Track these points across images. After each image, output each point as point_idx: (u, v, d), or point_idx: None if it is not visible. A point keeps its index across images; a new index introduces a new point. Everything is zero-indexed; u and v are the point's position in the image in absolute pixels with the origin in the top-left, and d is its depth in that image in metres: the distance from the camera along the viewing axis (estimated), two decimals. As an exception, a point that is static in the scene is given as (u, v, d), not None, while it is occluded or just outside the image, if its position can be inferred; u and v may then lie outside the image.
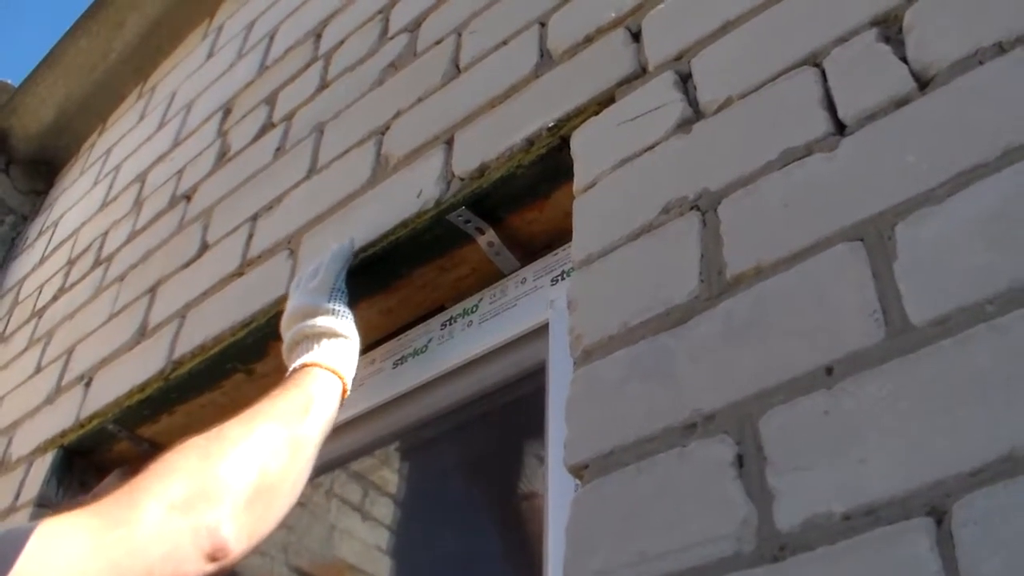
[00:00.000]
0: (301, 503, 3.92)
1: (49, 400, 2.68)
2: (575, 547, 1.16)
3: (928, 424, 0.95)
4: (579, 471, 1.23)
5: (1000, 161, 1.07)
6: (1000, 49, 1.16)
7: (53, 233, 3.73)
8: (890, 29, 1.30)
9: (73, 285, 3.12)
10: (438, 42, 2.18)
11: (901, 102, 1.21)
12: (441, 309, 1.95)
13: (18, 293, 3.63)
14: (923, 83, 1.21)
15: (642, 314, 1.30)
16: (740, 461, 1.08)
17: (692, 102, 1.49)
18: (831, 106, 1.29)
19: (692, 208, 1.35)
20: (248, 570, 2.86)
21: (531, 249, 1.81)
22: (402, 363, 1.91)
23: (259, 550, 3.63)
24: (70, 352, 2.77)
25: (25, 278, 3.68)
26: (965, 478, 0.90)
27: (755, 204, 1.28)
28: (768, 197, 1.27)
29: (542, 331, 1.66)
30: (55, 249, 3.56)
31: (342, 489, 4.03)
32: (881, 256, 1.10)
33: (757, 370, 1.13)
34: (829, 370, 1.06)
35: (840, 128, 1.26)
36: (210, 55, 3.49)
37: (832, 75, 1.33)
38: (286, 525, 3.67)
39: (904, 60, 1.25)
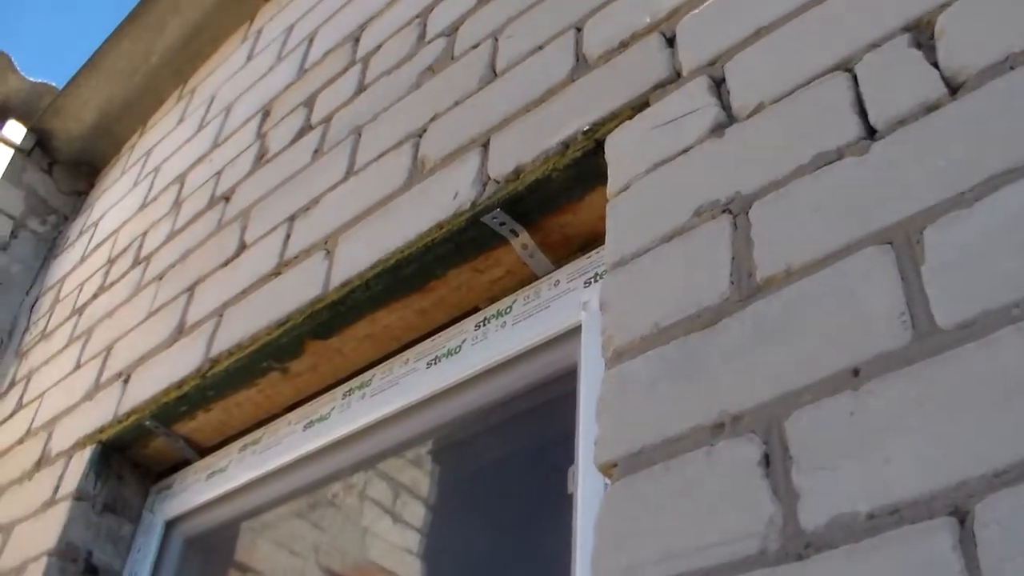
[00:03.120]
0: (334, 504, 3.98)
1: (88, 396, 2.72)
2: (603, 543, 1.18)
3: (952, 425, 0.96)
4: (609, 469, 1.25)
5: (1031, 165, 1.08)
6: (1031, 54, 1.17)
7: (94, 233, 3.77)
8: (922, 35, 1.31)
9: (113, 284, 3.17)
10: (475, 46, 2.20)
11: (932, 107, 1.22)
12: (476, 310, 1.97)
13: (59, 291, 3.68)
14: (954, 88, 1.22)
15: (673, 315, 1.31)
16: (767, 460, 1.09)
17: (725, 106, 1.50)
18: (862, 111, 1.30)
19: (724, 211, 1.36)
20: (280, 570, 2.90)
21: (565, 252, 1.83)
22: (436, 363, 1.93)
23: (291, 549, 3.68)
24: (109, 349, 2.81)
25: (66, 277, 3.73)
26: (988, 479, 0.91)
27: (786, 207, 1.29)
28: (799, 200, 1.28)
29: (575, 333, 1.68)
30: (95, 248, 3.61)
31: (374, 491, 4.06)
32: (909, 260, 1.11)
33: (785, 371, 1.14)
34: (856, 372, 1.08)
35: (871, 133, 1.27)
36: (250, 58, 3.52)
37: (864, 80, 1.34)
38: (318, 525, 3.72)
39: (936, 65, 1.26)
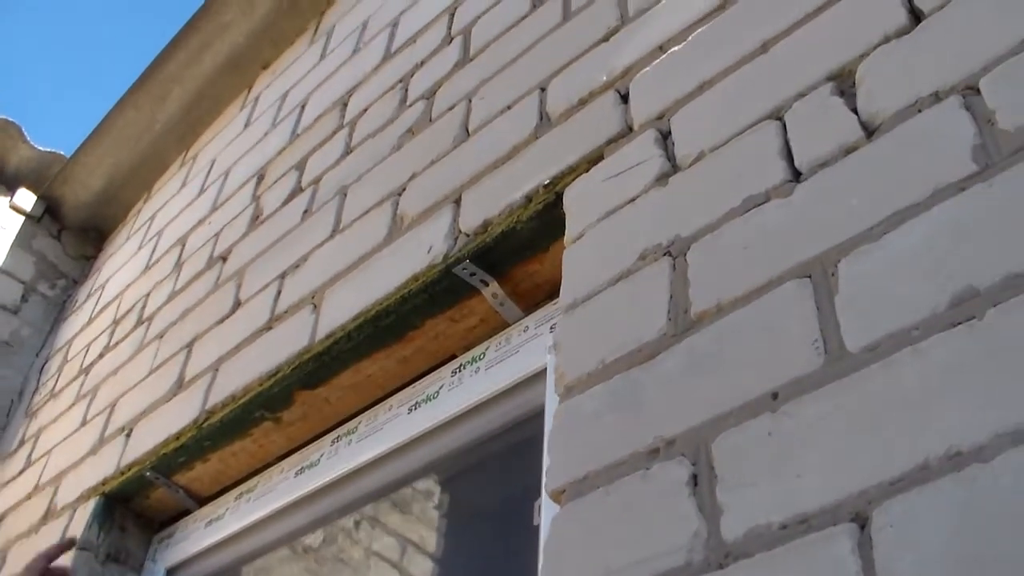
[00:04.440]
0: (341, 559, 4.03)
1: (93, 451, 2.82)
2: (550, 564, 1.27)
3: (856, 440, 1.06)
4: (558, 495, 1.34)
5: (930, 200, 1.17)
6: (936, 98, 1.27)
7: (100, 295, 3.90)
8: (844, 83, 1.42)
9: (117, 343, 3.28)
10: (451, 108, 2.32)
11: (850, 149, 1.33)
12: (453, 358, 2.06)
13: (67, 352, 3.80)
14: (870, 131, 1.32)
15: (616, 352, 1.41)
16: (695, 480, 1.18)
17: (670, 157, 1.61)
18: (789, 155, 1.41)
19: (665, 254, 1.46)
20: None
21: (534, 299, 1.93)
22: (416, 408, 2.03)
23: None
24: (113, 405, 2.91)
25: (74, 338, 3.85)
26: (885, 487, 1.00)
27: (718, 248, 1.39)
28: (730, 241, 1.38)
29: (542, 375, 1.77)
30: (102, 310, 3.73)
31: (380, 546, 4.13)
32: (825, 291, 1.21)
33: (713, 398, 1.23)
34: (775, 395, 1.17)
35: (796, 175, 1.37)
36: (247, 124, 3.66)
37: (792, 127, 1.44)
38: (325, 581, 3.75)
39: (855, 111, 1.37)
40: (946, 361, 1.03)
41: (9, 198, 4.45)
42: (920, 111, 1.28)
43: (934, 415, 1.01)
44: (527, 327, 1.89)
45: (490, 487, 2.29)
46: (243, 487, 2.47)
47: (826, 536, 1.02)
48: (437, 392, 2.00)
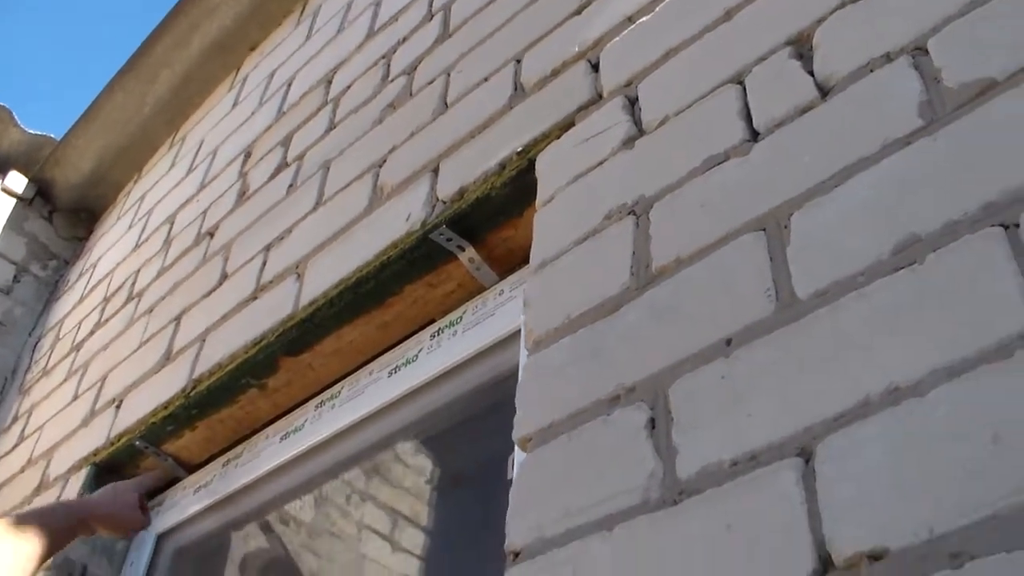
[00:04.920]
0: (332, 533, 4.09)
1: (84, 423, 2.87)
2: (515, 509, 1.32)
3: (803, 380, 1.11)
4: (525, 443, 1.39)
5: (879, 154, 1.23)
6: (887, 58, 1.32)
7: (91, 274, 3.95)
8: (803, 47, 1.47)
9: (108, 320, 3.33)
10: (431, 82, 2.37)
11: (805, 109, 1.38)
12: (432, 323, 2.11)
13: (59, 331, 3.85)
14: (825, 92, 1.37)
15: (582, 307, 1.46)
16: (652, 424, 1.23)
17: (637, 121, 1.66)
18: (748, 117, 1.46)
19: (629, 213, 1.51)
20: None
21: (509, 264, 1.97)
22: (396, 372, 2.08)
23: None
24: (104, 379, 2.96)
25: (65, 316, 3.90)
26: (829, 423, 1.05)
27: (679, 206, 1.44)
28: (690, 199, 1.43)
29: (516, 336, 1.82)
30: (92, 288, 3.79)
31: (371, 519, 4.18)
32: (778, 242, 1.26)
33: (671, 346, 1.29)
34: (728, 341, 1.22)
35: (755, 135, 1.43)
36: (235, 104, 3.71)
37: (751, 90, 1.49)
38: (315, 552, 3.83)
39: (811, 73, 1.42)
40: (888, 304, 1.08)
41: (0, 181, 4.49)
42: (872, 71, 1.33)
43: (875, 355, 1.06)
44: (502, 291, 1.94)
45: (474, 450, 2.35)
46: (230, 454, 2.52)
47: (773, 470, 1.07)
48: (416, 356, 2.05)
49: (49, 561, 2.34)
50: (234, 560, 2.83)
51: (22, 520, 2.02)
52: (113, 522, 2.32)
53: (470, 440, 2.27)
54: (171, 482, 2.71)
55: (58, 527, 2.07)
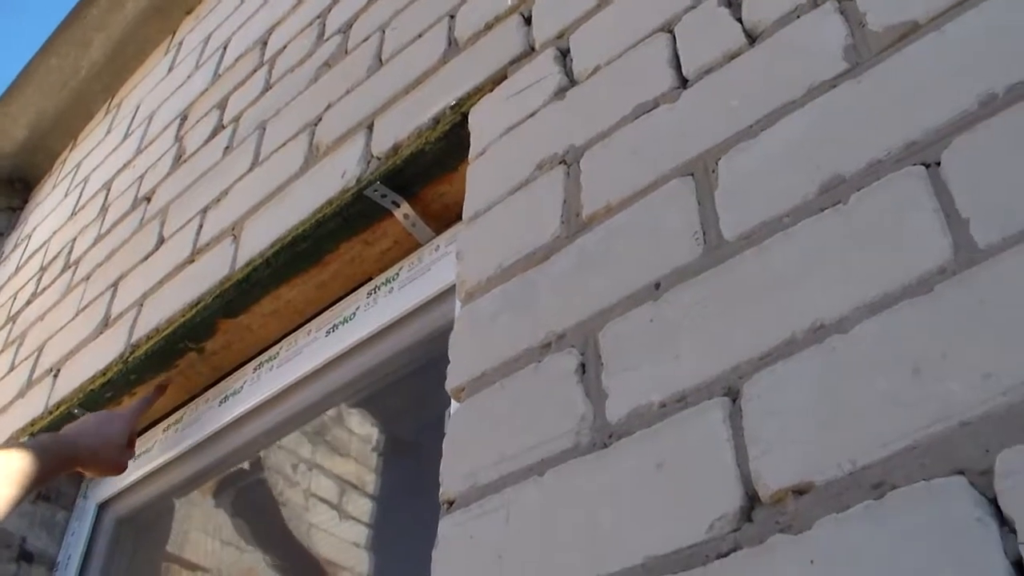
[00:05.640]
0: (280, 502, 4.07)
1: (21, 394, 2.83)
2: (449, 456, 1.32)
3: (730, 320, 1.12)
4: (458, 394, 1.39)
5: (804, 98, 1.24)
6: (814, 3, 1.32)
7: (27, 244, 3.89)
8: (731, -6, 1.47)
9: (44, 289, 3.28)
10: (365, 40, 2.36)
11: (733, 55, 1.38)
12: (370, 281, 2.11)
13: (-6, 303, 3.80)
14: (753, 38, 1.38)
15: (514, 256, 1.46)
16: (583, 369, 1.24)
17: (568, 72, 1.66)
18: (678, 64, 1.46)
19: (560, 162, 1.51)
20: (226, 566, 3.01)
21: (444, 220, 1.97)
22: (334, 331, 2.07)
23: (236, 546, 3.79)
24: (40, 349, 2.92)
25: (0, 288, 3.84)
26: (755, 362, 1.06)
27: (609, 153, 1.44)
28: (620, 146, 1.43)
29: (452, 290, 1.81)
30: (29, 258, 3.73)
31: (319, 488, 4.17)
32: (705, 186, 1.27)
33: (601, 292, 1.29)
34: (657, 285, 1.23)
35: (684, 83, 1.43)
36: (171, 68, 3.66)
37: (681, 37, 1.50)
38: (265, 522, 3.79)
39: (739, 20, 1.42)
40: (813, 244, 1.09)
41: (-70, 151, 4.42)
42: (799, 16, 1.33)
43: (800, 294, 1.06)
44: (438, 246, 1.94)
45: (416, 410, 2.35)
46: (170, 419, 2.50)
47: (700, 410, 1.07)
48: (353, 314, 2.05)
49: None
50: (178, 528, 2.82)
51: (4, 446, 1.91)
52: (96, 466, 2.07)
53: (413, 400, 2.27)
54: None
55: (44, 458, 1.86)
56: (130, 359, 2.39)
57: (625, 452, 1.12)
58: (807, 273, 1.08)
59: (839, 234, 1.08)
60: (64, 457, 1.96)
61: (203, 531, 3.45)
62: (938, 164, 1.04)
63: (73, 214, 3.57)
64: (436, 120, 1.87)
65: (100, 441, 2.06)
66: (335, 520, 4.15)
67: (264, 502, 3.11)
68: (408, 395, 2.43)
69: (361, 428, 4.12)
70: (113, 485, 2.56)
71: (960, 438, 0.85)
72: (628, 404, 1.15)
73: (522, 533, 1.16)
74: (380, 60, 2.23)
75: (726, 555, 0.95)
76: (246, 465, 2.95)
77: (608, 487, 1.10)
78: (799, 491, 0.94)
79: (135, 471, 2.49)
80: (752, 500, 0.97)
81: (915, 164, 1.06)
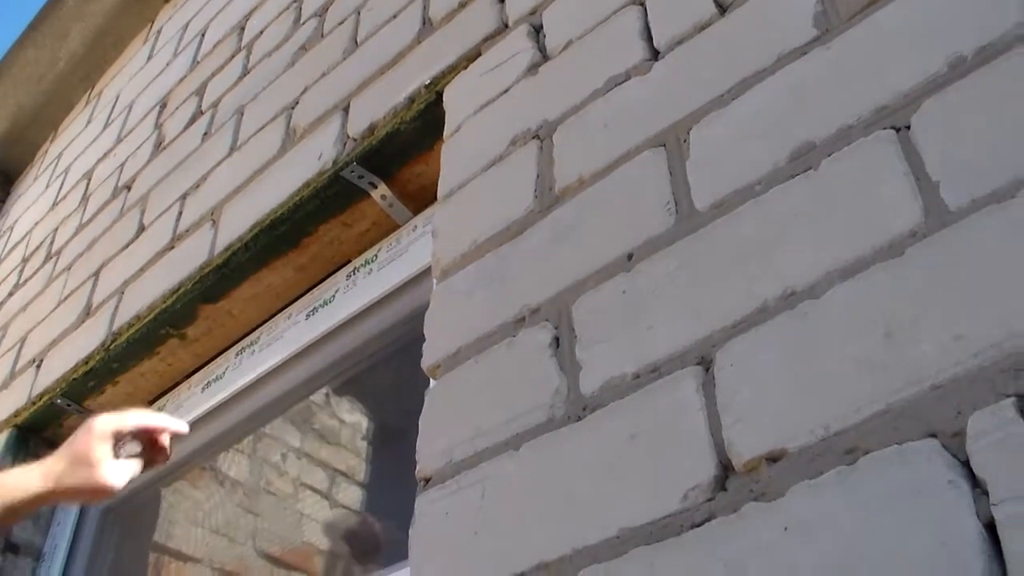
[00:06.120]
0: (270, 491, 4.06)
1: (4, 386, 2.82)
2: (426, 433, 1.32)
3: (702, 289, 1.11)
4: (434, 371, 1.39)
5: (775, 66, 1.23)
6: (784, -28, 1.31)
7: (9, 236, 3.88)
8: (702, -35, 1.46)
9: (26, 281, 3.27)
10: (341, 22, 2.35)
11: (704, 26, 1.37)
12: (349, 264, 2.10)
13: (-24, 295, 3.78)
14: (724, 8, 1.37)
15: (488, 232, 1.45)
16: (557, 343, 1.23)
17: (541, 48, 1.65)
18: (649, 37, 1.45)
19: (534, 138, 1.50)
20: (217, 556, 3.01)
21: (423, 200, 1.96)
22: (314, 314, 2.06)
23: (227, 536, 3.77)
24: (23, 340, 2.91)
25: (-18, 281, 3.83)
26: (728, 330, 1.05)
27: (582, 127, 1.44)
28: (592, 120, 1.43)
29: (431, 270, 1.81)
30: (10, 251, 3.72)
31: (309, 478, 4.17)
32: (677, 157, 1.26)
33: (574, 265, 1.28)
34: (630, 256, 1.22)
35: (655, 55, 1.42)
36: (150, 57, 3.65)
37: (652, 10, 1.49)
38: (252, 512, 3.81)
39: (711, -10, 1.41)
40: (784, 210, 1.09)
41: (-90, 145, 4.38)
42: (770, -14, 1.32)
43: (772, 261, 1.06)
44: (416, 227, 1.93)
45: (406, 394, 2.34)
46: (152, 407, 2.49)
47: (673, 379, 1.07)
48: (333, 296, 2.04)
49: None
50: (165, 517, 2.81)
51: None
52: (79, 495, 1.66)
53: (398, 385, 2.26)
54: (95, 439, 2.67)
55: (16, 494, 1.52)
56: (111, 347, 2.38)
57: (599, 424, 1.11)
58: (778, 240, 1.07)
59: (810, 200, 1.07)
60: (45, 493, 1.58)
61: (191, 520, 3.44)
62: (908, 128, 1.03)
63: (54, 205, 3.55)
64: (411, 100, 1.86)
65: (77, 474, 1.60)
66: (325, 508, 4.15)
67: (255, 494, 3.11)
68: (394, 379, 2.42)
69: (350, 416, 4.11)
70: (98, 475, 2.55)
71: (932, 401, 0.85)
72: (602, 376, 1.15)
73: (498, 508, 1.15)
74: (355, 42, 2.22)
75: (700, 525, 0.95)
76: (232, 452, 2.95)
77: (583, 460, 1.10)
78: (772, 458, 0.93)
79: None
80: (726, 469, 0.97)
81: (885, 128, 1.05)
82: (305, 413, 3.82)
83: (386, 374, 2.28)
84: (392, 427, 3.37)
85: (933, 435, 0.83)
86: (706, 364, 1.05)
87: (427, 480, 1.27)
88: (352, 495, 4.16)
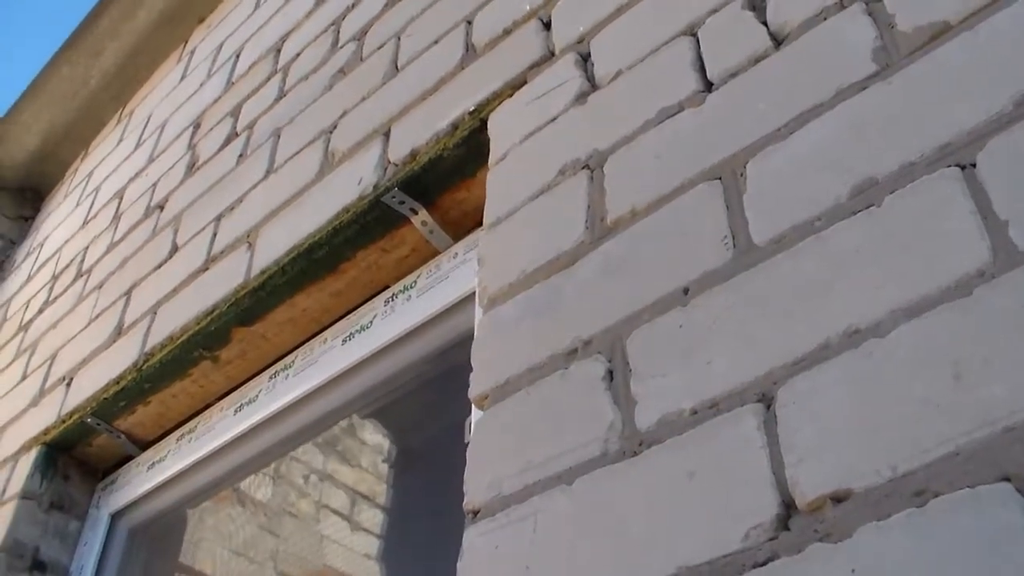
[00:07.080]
0: (292, 513, 4.05)
1: (34, 403, 2.82)
2: (473, 467, 1.30)
3: (762, 325, 1.10)
4: (481, 401, 1.37)
5: (833, 100, 1.22)
6: (841, 5, 1.31)
7: (39, 253, 3.89)
8: (755, -3, 1.46)
9: (56, 298, 3.28)
10: (380, 47, 2.34)
11: (759, 58, 1.37)
12: (387, 289, 2.09)
13: (6, 311, 3.78)
14: (779, 41, 1.36)
15: (537, 262, 1.44)
16: (611, 376, 1.22)
17: (590, 77, 1.64)
18: (702, 68, 1.44)
19: (583, 167, 1.50)
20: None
21: (464, 227, 1.95)
22: (350, 339, 2.05)
23: (248, 557, 3.76)
24: (54, 358, 2.91)
25: (12, 297, 3.84)
26: (789, 367, 1.04)
27: (633, 158, 1.43)
28: (644, 151, 1.42)
29: (472, 298, 1.80)
30: (40, 267, 3.72)
31: (330, 499, 4.16)
32: (734, 191, 1.25)
33: (628, 297, 1.27)
34: (686, 290, 1.21)
35: (709, 86, 1.41)
36: (183, 77, 3.66)
37: (704, 41, 1.48)
38: (274, 533, 3.80)
39: (764, 23, 1.40)
40: (846, 247, 1.08)
41: (-58, 161, 4.41)
42: (826, 19, 1.32)
43: (835, 297, 1.05)
44: (456, 253, 1.92)
45: (431, 420, 2.33)
46: (184, 428, 2.49)
47: (733, 417, 1.05)
48: (371, 322, 2.03)
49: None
50: (190, 538, 2.80)
51: None
52: None
53: (426, 410, 2.26)
54: (124, 460, 2.67)
55: None
56: (144, 367, 2.37)
57: (656, 460, 1.10)
58: (841, 277, 1.06)
59: (873, 237, 1.06)
60: None
61: (215, 541, 3.44)
62: (973, 166, 1.02)
63: (85, 223, 3.56)
64: (454, 125, 1.86)
65: None
66: (347, 531, 4.15)
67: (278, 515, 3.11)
68: (420, 405, 2.42)
69: (373, 439, 4.11)
70: (127, 495, 2.55)
71: (1005, 443, 0.84)
72: (658, 411, 1.13)
73: (550, 543, 1.14)
74: (396, 67, 2.22)
75: (763, 564, 0.93)
76: (259, 475, 2.94)
77: (639, 496, 1.09)
78: (838, 498, 0.92)
79: (149, 480, 2.48)
80: (789, 508, 0.95)
81: (949, 166, 1.04)
82: (328, 435, 3.82)
83: (409, 398, 2.26)
84: (414, 451, 3.35)
85: (1007, 479, 0.82)
86: (767, 401, 1.04)
87: (475, 512, 1.25)
88: (373, 518, 4.16)
